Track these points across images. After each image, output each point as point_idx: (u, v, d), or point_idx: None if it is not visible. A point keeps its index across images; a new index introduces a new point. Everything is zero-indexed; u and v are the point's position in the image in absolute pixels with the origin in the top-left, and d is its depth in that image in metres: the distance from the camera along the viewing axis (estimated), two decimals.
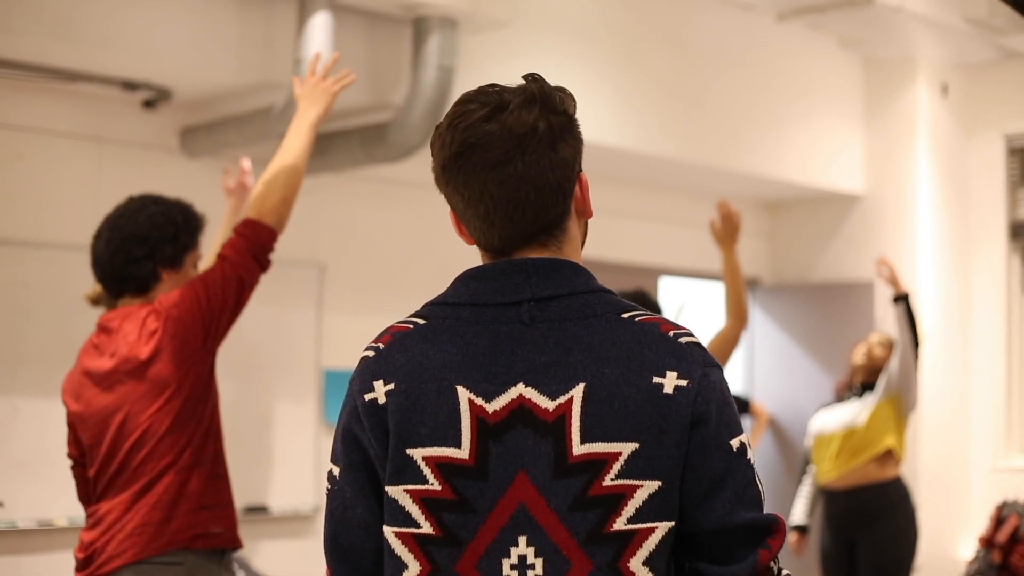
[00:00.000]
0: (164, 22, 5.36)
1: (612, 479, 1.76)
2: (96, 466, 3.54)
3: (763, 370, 8.79)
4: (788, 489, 7.70)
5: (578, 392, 1.78)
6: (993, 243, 8.62)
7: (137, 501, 3.46)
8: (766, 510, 1.84)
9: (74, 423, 3.62)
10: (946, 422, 8.40)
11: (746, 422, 8.65)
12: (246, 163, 4.36)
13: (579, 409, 1.77)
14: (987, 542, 7.55)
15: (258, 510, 6.20)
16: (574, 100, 1.92)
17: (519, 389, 1.79)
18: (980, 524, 8.15)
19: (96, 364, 3.56)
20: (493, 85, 1.88)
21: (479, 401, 1.79)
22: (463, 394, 1.80)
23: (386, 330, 1.91)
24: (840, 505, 6.44)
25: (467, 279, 1.89)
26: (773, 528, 1.83)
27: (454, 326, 1.85)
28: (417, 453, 1.80)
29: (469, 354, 1.82)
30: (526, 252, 1.88)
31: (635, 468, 1.77)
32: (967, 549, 8.29)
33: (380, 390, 1.83)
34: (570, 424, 1.77)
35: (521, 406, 1.79)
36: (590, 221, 1.98)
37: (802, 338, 8.67)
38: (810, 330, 8.63)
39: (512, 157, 1.82)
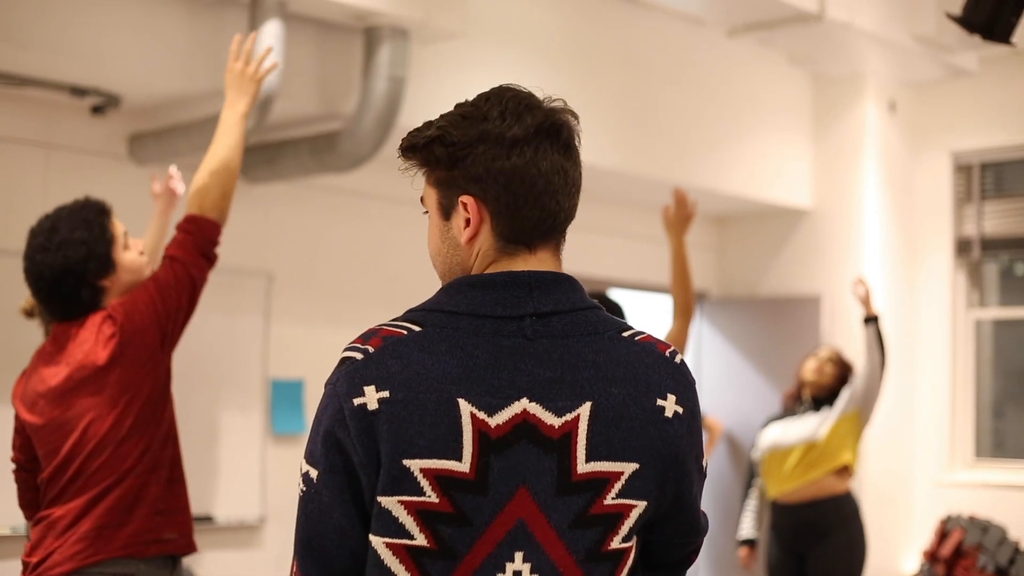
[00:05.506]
0: (114, 28, 5.32)
1: (613, 498, 1.78)
2: (50, 471, 3.50)
3: (710, 383, 8.81)
4: (736, 503, 7.73)
5: (585, 410, 1.79)
6: (939, 259, 8.69)
7: (94, 506, 3.44)
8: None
9: (27, 432, 3.58)
10: (891, 436, 8.45)
11: None
12: (174, 169, 4.34)
13: (586, 427, 1.78)
14: (931, 556, 7.61)
15: (204, 520, 6.15)
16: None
17: (523, 404, 1.78)
18: (924, 538, 8.21)
19: (51, 373, 3.53)
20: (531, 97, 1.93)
21: (481, 415, 1.77)
22: (465, 407, 1.77)
23: (373, 332, 1.85)
24: (792, 518, 6.43)
25: (464, 287, 1.86)
26: (703, 532, 2.00)
27: (452, 336, 1.82)
28: (415, 464, 1.76)
29: (470, 367, 1.79)
30: (545, 250, 1.90)
31: (633, 488, 1.80)
32: (911, 563, 8.35)
33: (372, 396, 1.78)
34: (576, 442, 1.78)
35: (525, 421, 1.78)
36: None
37: (749, 352, 8.71)
38: (757, 344, 8.66)
39: (545, 190, 1.88)
